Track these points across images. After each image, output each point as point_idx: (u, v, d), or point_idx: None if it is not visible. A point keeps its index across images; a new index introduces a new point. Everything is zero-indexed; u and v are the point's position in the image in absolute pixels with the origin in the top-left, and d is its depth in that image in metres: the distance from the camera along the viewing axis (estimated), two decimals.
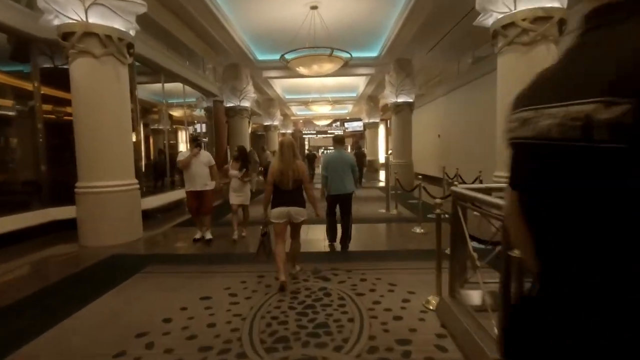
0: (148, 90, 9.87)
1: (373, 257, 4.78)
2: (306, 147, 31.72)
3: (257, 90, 19.06)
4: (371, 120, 21.59)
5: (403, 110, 13.80)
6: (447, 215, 3.47)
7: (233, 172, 5.68)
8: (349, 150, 28.52)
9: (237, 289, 3.80)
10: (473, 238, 3.48)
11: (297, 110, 27.46)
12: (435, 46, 12.16)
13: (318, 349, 2.65)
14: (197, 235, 5.93)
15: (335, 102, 17.58)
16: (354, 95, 20.97)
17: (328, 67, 9.67)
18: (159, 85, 9.92)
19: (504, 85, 5.88)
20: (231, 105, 13.80)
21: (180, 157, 5.57)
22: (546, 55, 5.42)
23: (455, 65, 13.55)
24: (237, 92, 13.65)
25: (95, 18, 5.40)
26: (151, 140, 10.59)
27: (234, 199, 5.75)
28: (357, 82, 18.18)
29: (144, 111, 10.29)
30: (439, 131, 14.55)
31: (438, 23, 10.31)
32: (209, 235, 5.85)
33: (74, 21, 5.33)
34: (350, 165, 5.16)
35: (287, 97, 21.07)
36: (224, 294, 3.70)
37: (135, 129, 9.96)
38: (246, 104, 13.98)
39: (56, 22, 5.41)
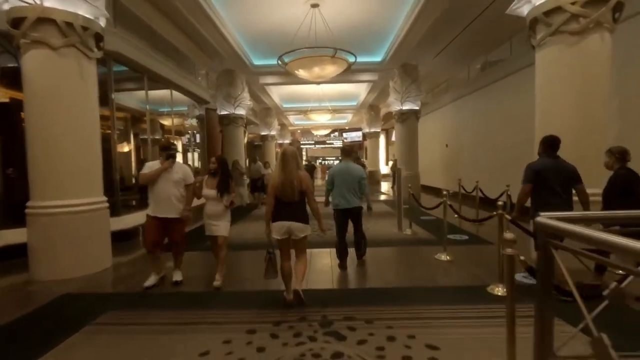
0: (137, 98, 8.92)
1: (398, 297, 3.71)
2: (304, 158, 30.76)
3: (253, 99, 18.10)
4: (372, 130, 20.66)
5: (409, 119, 12.85)
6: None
7: (208, 191, 4.13)
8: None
9: (217, 354, 2.73)
10: (560, 290, 2.45)
11: (295, 120, 26.53)
12: (443, 50, 11.28)
13: None
14: (150, 281, 4.21)
15: (335, 111, 16.67)
16: (354, 104, 20.07)
17: (330, 69, 8.70)
18: (151, 92, 8.97)
19: (546, 84, 4.89)
20: (225, 113, 12.80)
21: (145, 170, 4.20)
22: (600, 47, 4.46)
23: (464, 71, 12.66)
24: (231, 99, 12.67)
25: (53, 1, 4.40)
26: (142, 151, 9.57)
27: (209, 228, 4.18)
28: (358, 90, 17.29)
29: (135, 120, 9.33)
30: (447, 141, 13.60)
31: (448, 25, 9.41)
32: (178, 277, 4.39)
33: (26, 4, 4.33)
34: (359, 179, 4.70)
35: (284, 105, 20.14)
36: None
37: (125, 139, 9.09)
38: (241, 111, 12.99)
39: (5, 6, 4.41)
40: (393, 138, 24.18)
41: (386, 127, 24.31)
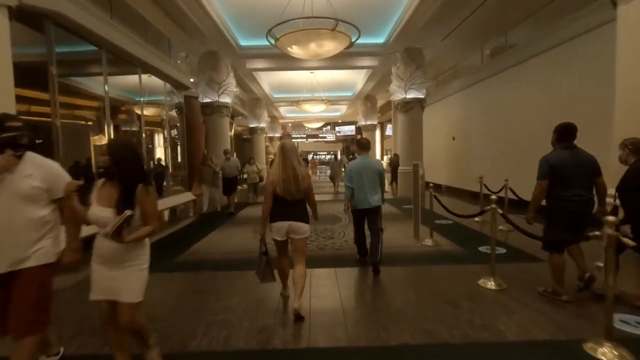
0: (120, 86, 7.48)
1: None
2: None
3: (241, 88, 16.56)
4: (368, 122, 19.31)
5: (413, 109, 11.51)
6: None
7: (98, 211, 2.02)
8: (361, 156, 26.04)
9: None
10: None
11: (286, 112, 25.00)
12: (453, 32, 9.93)
13: None
14: None
15: (329, 101, 15.27)
16: (350, 94, 18.66)
17: (329, 47, 7.28)
18: (126, 78, 7.50)
19: (629, 47, 3.56)
20: (208, 100, 11.27)
21: None
22: None
23: (475, 56, 11.33)
24: (215, 85, 11.15)
25: None
26: None
27: (98, 286, 2.07)
28: (355, 79, 15.89)
29: (114, 110, 7.83)
30: (453, 133, 12.31)
31: (460, 2, 8.09)
32: None
33: None
34: (379, 174, 4.31)
35: (275, 96, 18.63)
36: None
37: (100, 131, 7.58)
38: (226, 99, 11.47)
39: None
40: (388, 132, 22.89)
41: (381, 120, 22.96)
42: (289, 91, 17.32)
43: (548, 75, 7.71)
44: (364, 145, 4.47)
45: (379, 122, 21.29)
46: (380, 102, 19.82)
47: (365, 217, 4.37)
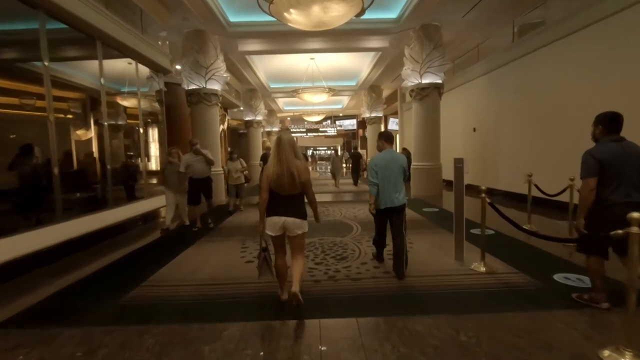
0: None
1: None
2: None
3: (234, 76, 14.96)
4: (373, 115, 17.72)
5: (429, 95, 9.94)
6: None
7: None
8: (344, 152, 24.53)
9: None
10: None
11: (284, 105, 23.39)
12: (479, 4, 8.36)
13: None
14: None
15: (332, 90, 13.70)
16: (354, 84, 17.06)
17: (337, 11, 5.72)
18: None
19: None
20: (194, 87, 9.70)
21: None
22: None
23: (501, 34, 9.74)
24: (201, 70, 9.56)
25: None
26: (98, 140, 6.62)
27: None
28: (360, 66, 14.30)
29: (94, 102, 6.38)
30: (474, 124, 10.74)
31: None
32: None
33: None
34: (403, 170, 3.87)
35: (272, 86, 17.02)
36: None
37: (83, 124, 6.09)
38: (215, 86, 9.89)
39: None
40: (391, 125, 21.34)
41: (385, 113, 21.25)
42: (287, 80, 15.72)
43: (601, 50, 6.17)
44: (389, 138, 4.04)
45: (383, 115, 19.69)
46: (385, 93, 18.23)
47: (389, 219, 3.93)
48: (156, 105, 9.09)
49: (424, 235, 5.54)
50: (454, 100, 11.63)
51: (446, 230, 5.76)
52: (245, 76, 14.33)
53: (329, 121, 30.62)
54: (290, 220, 2.95)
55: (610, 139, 2.81)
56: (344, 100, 22.27)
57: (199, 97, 9.76)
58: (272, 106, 22.95)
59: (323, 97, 14.03)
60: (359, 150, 31.62)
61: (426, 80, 9.82)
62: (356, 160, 14.62)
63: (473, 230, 5.63)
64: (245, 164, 8.51)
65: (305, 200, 3.12)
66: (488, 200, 3.98)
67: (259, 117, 17.79)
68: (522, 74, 8.53)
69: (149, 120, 9.42)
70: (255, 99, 17.50)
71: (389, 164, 3.81)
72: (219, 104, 10.39)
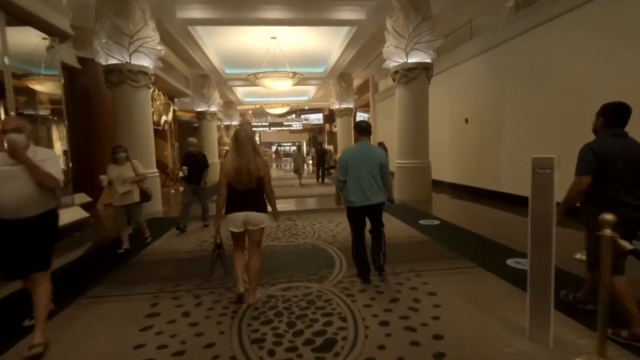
0: None
1: None
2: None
3: (181, 59, 12.40)
4: (343, 106, 15.78)
5: (417, 78, 8.10)
6: None
7: None
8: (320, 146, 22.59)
9: None
10: None
11: (244, 96, 20.90)
12: None
13: None
14: None
15: (296, 75, 11.55)
16: (322, 70, 14.99)
17: None
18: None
19: None
20: (113, 62, 7.22)
21: None
22: None
23: (502, 5, 8.04)
24: (123, 39, 7.09)
25: None
26: None
27: None
28: (329, 48, 12.25)
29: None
30: (467, 114, 9.04)
31: None
32: None
33: None
34: (380, 166, 3.40)
35: (227, 71, 14.58)
36: None
37: None
38: (143, 61, 7.45)
39: None
40: (364, 117, 19.56)
41: (358, 106, 19.40)
42: (245, 65, 13.34)
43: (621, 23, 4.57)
44: (364, 129, 3.52)
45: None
46: (355, 83, 16.35)
47: (366, 216, 3.50)
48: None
49: (445, 277, 3.57)
50: (440, 87, 9.87)
51: (475, 265, 3.86)
52: (193, 57, 11.83)
53: (293, 115, 28.44)
54: (252, 214, 2.90)
55: (611, 132, 2.44)
56: (311, 91, 20.17)
57: (122, 76, 7.27)
58: (230, 97, 20.39)
59: (287, 83, 11.85)
60: (326, 146, 29.73)
61: (413, 59, 7.96)
62: (321, 157, 13.76)
63: (511, 262, 3.79)
64: (142, 170, 4.93)
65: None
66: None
67: (213, 108, 15.27)
68: (530, 52, 6.87)
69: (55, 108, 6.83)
70: (209, 87, 14.95)
71: (362, 158, 3.37)
72: (152, 87, 7.93)
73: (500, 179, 7.85)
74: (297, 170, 13.29)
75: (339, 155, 16.92)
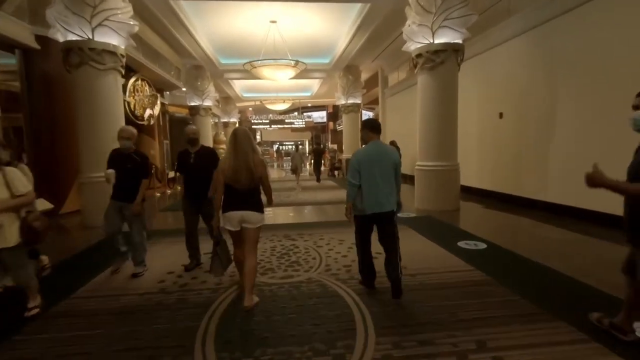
0: None
1: None
2: (256, 142, 23.77)
3: (169, 46, 10.97)
4: (350, 102, 14.30)
5: (445, 63, 6.62)
6: None
7: None
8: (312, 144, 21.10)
9: None
10: None
11: (242, 91, 19.46)
12: None
13: None
14: None
15: (298, 64, 10.09)
16: (327, 61, 13.52)
17: None
18: None
19: None
20: (74, 39, 5.80)
21: None
22: None
23: None
24: (83, 10, 5.66)
25: None
26: None
27: None
28: (336, 35, 10.80)
29: None
30: (501, 107, 7.55)
31: None
32: None
33: None
34: (395, 167, 3.02)
35: (223, 61, 13.14)
36: None
37: None
38: (110, 38, 6.02)
39: None
40: (369, 116, 18.10)
41: (366, 102, 17.87)
42: (242, 54, 11.87)
43: None
44: (375, 127, 3.10)
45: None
46: (363, 76, 14.86)
47: (375, 227, 3.07)
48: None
49: (536, 356, 2.13)
50: (467, 76, 8.29)
51: (575, 329, 2.40)
52: (182, 44, 10.39)
53: (295, 113, 27.01)
54: (248, 213, 2.85)
55: None
56: (314, 86, 18.70)
57: (82, 56, 5.84)
58: (228, 92, 18.96)
59: (288, 73, 10.40)
60: (329, 145, 28.24)
61: (441, 39, 6.49)
62: (318, 156, 13.58)
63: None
64: (24, 186, 2.72)
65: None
66: None
67: (208, 103, 13.82)
68: (587, 30, 5.38)
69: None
70: (202, 79, 13.51)
71: (376, 160, 2.97)
72: (122, 71, 6.47)
73: (546, 186, 6.37)
74: (295, 170, 12.74)
75: (344, 155, 15.55)
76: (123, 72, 6.49)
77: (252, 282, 2.89)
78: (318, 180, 13.13)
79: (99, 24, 5.79)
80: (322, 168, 19.86)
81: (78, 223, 6.53)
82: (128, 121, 10.07)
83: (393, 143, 11.14)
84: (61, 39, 5.83)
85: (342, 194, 9.74)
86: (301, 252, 4.39)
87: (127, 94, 9.19)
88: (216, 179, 2.93)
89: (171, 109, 14.71)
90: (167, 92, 13.78)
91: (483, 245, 4.43)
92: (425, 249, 4.45)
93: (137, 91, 9.68)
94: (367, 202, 2.95)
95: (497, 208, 6.94)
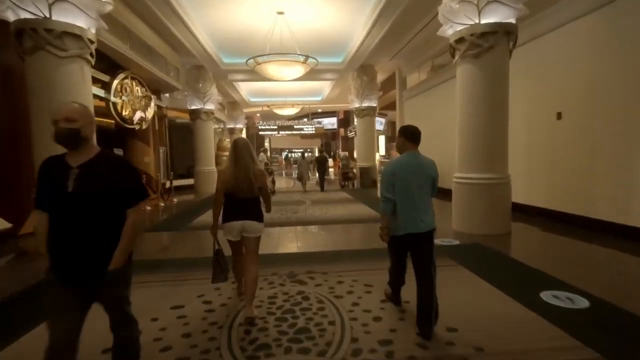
0: None
1: None
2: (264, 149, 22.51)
3: (164, 41, 9.79)
4: (364, 105, 12.91)
5: (494, 48, 5.18)
6: None
7: None
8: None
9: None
10: None
11: (249, 95, 18.28)
12: None
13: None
14: None
15: (308, 60, 8.75)
16: (339, 60, 12.20)
17: None
18: None
19: None
20: (27, 17, 4.56)
21: None
22: None
23: None
24: None
25: None
26: None
27: None
28: (351, 30, 9.51)
29: None
30: (560, 106, 6.05)
31: None
32: None
33: None
34: (432, 181, 2.64)
35: (226, 60, 11.93)
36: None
37: None
38: (76, 19, 4.76)
39: None
40: (378, 126, 16.82)
41: (379, 106, 16.42)
42: (246, 53, 10.58)
43: None
44: (414, 135, 2.63)
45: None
46: (379, 77, 13.50)
47: (410, 250, 2.61)
48: None
49: None
50: (513, 67, 6.81)
51: None
52: (179, 39, 9.18)
53: (305, 119, 25.76)
54: (248, 223, 2.83)
55: None
56: (325, 90, 17.41)
57: (38, 39, 4.59)
58: (233, 96, 17.79)
59: (297, 71, 9.08)
60: (340, 152, 26.85)
61: (489, 18, 5.07)
62: (322, 164, 12.93)
63: None
64: None
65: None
66: None
67: (210, 106, 12.58)
68: None
69: None
70: (204, 80, 12.30)
71: (414, 173, 2.57)
72: (91, 60, 5.19)
73: (630, 207, 4.85)
74: (302, 178, 12.51)
75: (357, 164, 14.13)
76: (93, 61, 5.22)
77: (254, 293, 2.84)
78: (321, 189, 12.49)
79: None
80: (332, 177, 18.58)
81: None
82: (115, 125, 8.89)
83: None
84: (12, 18, 4.60)
85: (358, 209, 8.31)
86: (312, 307, 2.98)
87: (113, 93, 7.96)
88: (216, 190, 2.87)
89: (171, 114, 13.52)
90: (167, 95, 12.61)
91: (583, 302, 2.95)
92: (484, 299, 3.02)
93: (125, 90, 8.45)
94: (401, 221, 2.58)
95: (560, 232, 5.42)
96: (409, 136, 2.62)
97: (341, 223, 6.76)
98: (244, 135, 20.84)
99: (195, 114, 12.48)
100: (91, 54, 5.12)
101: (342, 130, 29.58)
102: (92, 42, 5.05)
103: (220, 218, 2.86)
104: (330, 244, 5.26)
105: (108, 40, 6.74)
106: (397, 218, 2.57)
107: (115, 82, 8.01)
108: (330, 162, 23.74)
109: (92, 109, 5.19)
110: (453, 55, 5.69)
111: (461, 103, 5.59)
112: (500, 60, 5.24)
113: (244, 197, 2.81)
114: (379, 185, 11.57)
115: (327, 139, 32.92)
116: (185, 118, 13.44)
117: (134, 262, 1.79)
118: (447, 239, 5.12)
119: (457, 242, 4.94)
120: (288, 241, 5.51)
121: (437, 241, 4.65)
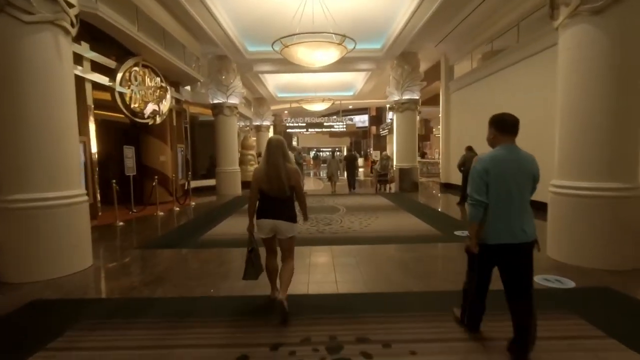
0: None
1: None
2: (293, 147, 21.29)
3: (183, 27, 8.66)
4: (405, 97, 11.29)
5: (607, 10, 3.52)
6: None
7: None
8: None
9: None
10: None
11: (277, 90, 17.09)
12: None
13: None
14: None
15: (344, 40, 7.28)
16: (378, 47, 10.67)
17: None
18: None
19: None
20: None
21: None
22: None
23: None
24: None
25: None
26: None
27: None
28: (393, 9, 8.00)
29: None
30: None
31: None
32: None
33: None
34: (533, 181, 2.18)
35: (250, 49, 10.72)
36: None
37: None
38: None
39: None
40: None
41: (423, 99, 14.57)
42: (272, 38, 9.30)
43: None
44: (505, 124, 2.18)
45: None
46: (425, 65, 11.84)
47: (502, 264, 2.16)
48: None
49: None
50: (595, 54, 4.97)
51: None
52: (198, 22, 8.02)
53: (335, 116, 24.34)
54: (280, 222, 2.81)
55: None
56: (358, 83, 15.91)
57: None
58: (260, 92, 16.65)
59: (330, 54, 7.65)
60: (371, 151, 25.20)
61: None
62: (351, 163, 12.28)
63: None
64: None
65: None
66: None
67: (233, 100, 11.42)
68: None
69: None
70: (227, 71, 11.14)
71: (512, 170, 2.11)
72: (72, 30, 3.99)
73: None
74: (331, 177, 12.15)
75: (395, 164, 12.49)
76: (74, 32, 4.02)
77: (289, 281, 2.83)
78: (351, 188, 12.12)
79: None
80: (361, 178, 17.08)
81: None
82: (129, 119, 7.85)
83: (470, 149, 8.30)
84: None
85: (405, 219, 6.77)
86: None
87: (119, 82, 6.87)
88: (250, 188, 2.89)
89: (194, 110, 12.49)
90: (188, 88, 11.57)
91: None
92: None
93: (135, 79, 7.36)
94: (494, 228, 2.12)
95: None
96: (499, 126, 2.18)
97: (393, 242, 5.15)
98: (271, 133, 19.68)
99: (217, 109, 11.35)
100: (72, 23, 3.92)
101: (373, 128, 27.93)
102: (71, 5, 3.85)
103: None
104: (384, 280, 3.74)
105: (107, 15, 5.59)
106: (488, 224, 2.14)
107: (123, 68, 6.91)
108: (361, 161, 22.21)
109: (72, 95, 4.01)
110: (552, 16, 4.05)
111: (567, 81, 3.94)
112: (636, 16, 3.56)
113: (275, 195, 2.79)
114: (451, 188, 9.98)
115: (357, 137, 31.37)
116: (209, 115, 12.34)
117: None
118: (551, 275, 3.52)
119: (572, 284, 3.33)
120: (322, 272, 4.04)
121: (537, 279, 3.18)
